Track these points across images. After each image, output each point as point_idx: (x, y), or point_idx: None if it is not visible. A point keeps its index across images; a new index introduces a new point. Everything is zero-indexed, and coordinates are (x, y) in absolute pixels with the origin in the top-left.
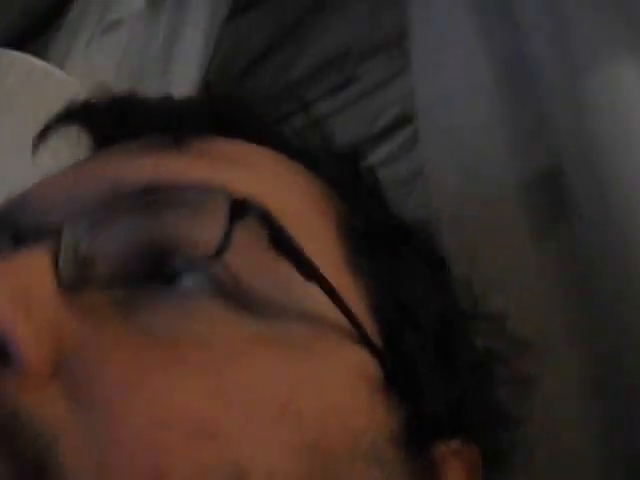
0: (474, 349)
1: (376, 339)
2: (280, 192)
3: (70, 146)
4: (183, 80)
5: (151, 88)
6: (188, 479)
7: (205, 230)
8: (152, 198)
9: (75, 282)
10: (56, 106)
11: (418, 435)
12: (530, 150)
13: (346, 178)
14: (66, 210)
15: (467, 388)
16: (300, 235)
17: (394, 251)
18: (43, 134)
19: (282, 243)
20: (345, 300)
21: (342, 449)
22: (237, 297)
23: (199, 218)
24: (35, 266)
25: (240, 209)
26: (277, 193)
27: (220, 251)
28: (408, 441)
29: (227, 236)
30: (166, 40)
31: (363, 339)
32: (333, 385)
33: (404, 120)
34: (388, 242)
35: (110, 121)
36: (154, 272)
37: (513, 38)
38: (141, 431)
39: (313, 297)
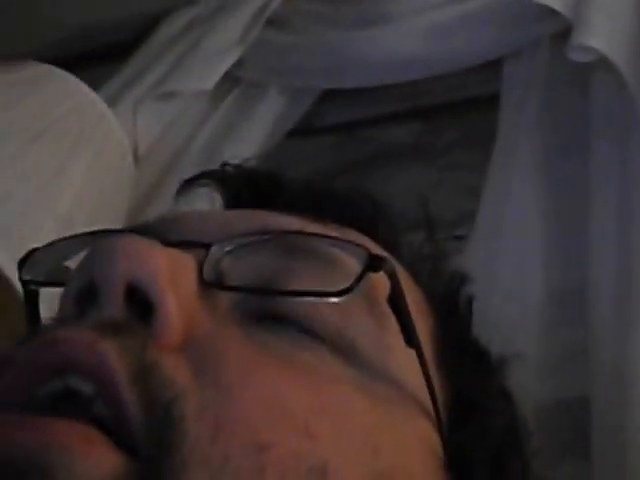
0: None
1: (444, 424)
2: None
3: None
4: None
5: (187, 169)
6: (281, 459)
7: (335, 276)
8: (294, 241)
9: (212, 286)
10: (97, 144)
11: None
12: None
13: (444, 297)
14: (216, 233)
15: None
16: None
17: (472, 367)
18: (185, 187)
19: (398, 305)
20: (431, 376)
21: None
22: (339, 343)
23: (331, 266)
24: (185, 262)
25: (376, 262)
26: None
27: (346, 292)
28: None
29: (357, 281)
30: (218, 132)
31: (435, 418)
32: (407, 443)
33: None
34: (467, 361)
35: (250, 189)
36: (273, 304)
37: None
38: (253, 411)
39: (406, 364)
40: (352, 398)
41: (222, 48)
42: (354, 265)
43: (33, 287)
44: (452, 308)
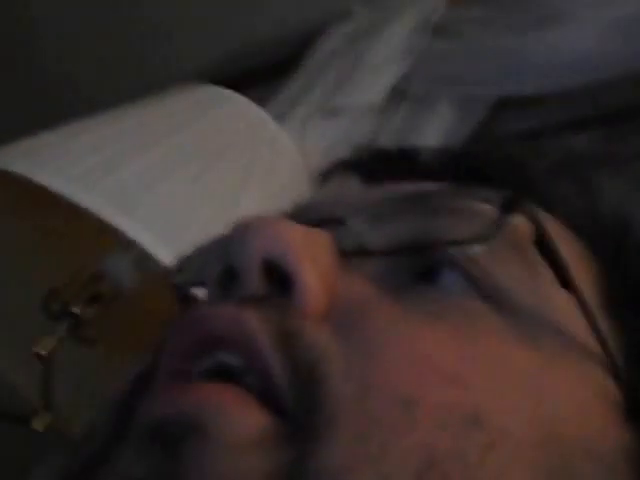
0: None
1: (620, 368)
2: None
3: None
4: None
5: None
6: (432, 411)
7: (475, 225)
8: (429, 200)
9: (352, 256)
10: (273, 164)
11: None
12: None
13: (608, 242)
14: (351, 207)
15: None
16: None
17: None
18: (322, 179)
19: (546, 246)
20: (595, 318)
21: (576, 443)
22: (491, 295)
23: (470, 217)
24: (321, 237)
25: (511, 204)
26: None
27: (487, 238)
28: None
29: (497, 226)
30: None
31: (607, 361)
32: (574, 390)
33: None
34: None
35: (384, 166)
36: (418, 267)
37: None
38: (399, 367)
39: (564, 308)
40: (508, 346)
41: (387, 60)
42: (495, 212)
43: (186, 289)
44: (618, 253)
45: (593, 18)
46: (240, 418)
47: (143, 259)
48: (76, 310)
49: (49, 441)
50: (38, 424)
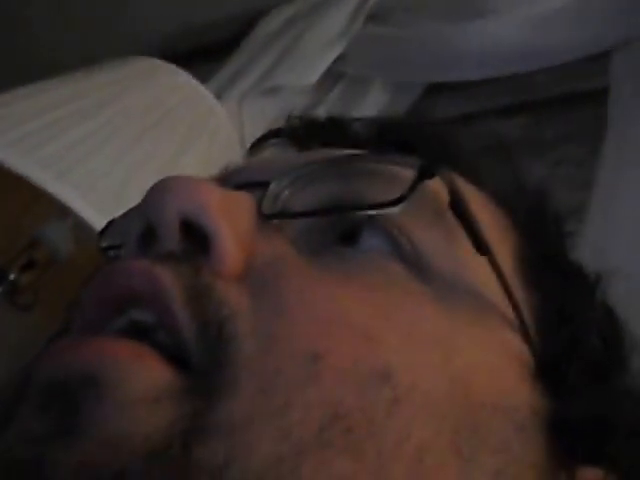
0: (631, 374)
1: (532, 332)
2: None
3: None
4: None
5: None
6: (338, 366)
7: (393, 189)
8: (350, 165)
9: (272, 217)
10: (208, 136)
11: (561, 435)
12: None
13: (528, 214)
14: (275, 172)
15: (618, 411)
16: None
17: (562, 279)
18: (255, 147)
19: (461, 210)
20: (509, 283)
21: (485, 398)
22: (410, 258)
23: (389, 181)
24: (242, 199)
25: (428, 170)
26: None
27: (401, 200)
28: (550, 431)
29: (411, 189)
30: None
31: (519, 325)
32: (486, 350)
33: None
34: (557, 274)
35: (316, 135)
36: (338, 229)
37: None
38: (307, 322)
39: (480, 273)
40: (423, 306)
41: (324, 43)
42: (412, 176)
43: (112, 252)
44: (537, 225)
45: (522, 12)
46: (137, 372)
47: (80, 225)
48: (12, 276)
49: None
50: None
